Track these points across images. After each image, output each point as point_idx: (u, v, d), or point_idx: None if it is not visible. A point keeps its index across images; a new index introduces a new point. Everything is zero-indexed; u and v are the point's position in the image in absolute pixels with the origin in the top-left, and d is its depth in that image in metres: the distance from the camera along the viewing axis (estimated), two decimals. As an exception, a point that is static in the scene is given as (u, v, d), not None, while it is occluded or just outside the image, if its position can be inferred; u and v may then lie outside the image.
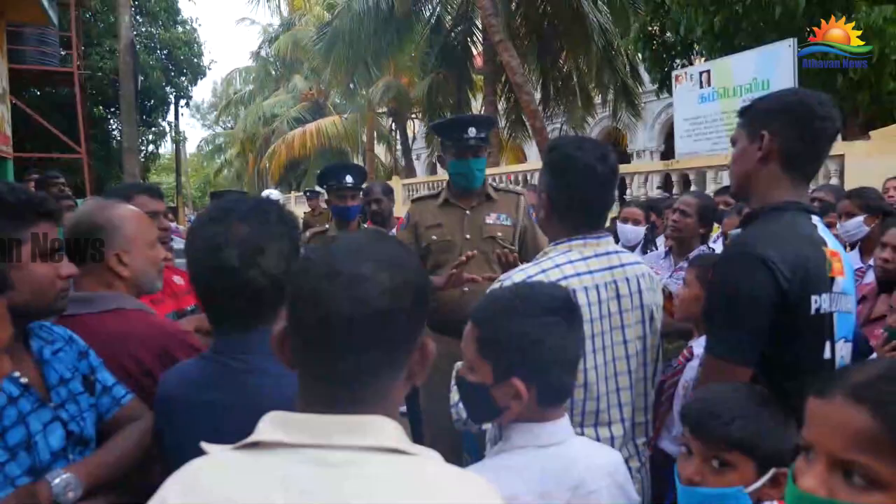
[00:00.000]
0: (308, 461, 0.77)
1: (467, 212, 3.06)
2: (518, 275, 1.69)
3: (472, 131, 2.94)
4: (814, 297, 1.50)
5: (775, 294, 1.46)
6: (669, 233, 3.52)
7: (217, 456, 0.82)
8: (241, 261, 1.18)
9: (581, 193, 1.72)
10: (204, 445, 0.83)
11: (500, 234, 3.01)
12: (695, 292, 2.34)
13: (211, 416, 1.16)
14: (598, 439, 1.63)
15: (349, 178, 3.80)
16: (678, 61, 10.94)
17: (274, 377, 1.12)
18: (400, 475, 0.78)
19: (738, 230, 1.72)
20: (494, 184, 3.25)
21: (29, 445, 1.27)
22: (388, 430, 0.81)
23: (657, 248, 4.10)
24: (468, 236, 3.02)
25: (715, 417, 1.31)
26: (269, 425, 0.81)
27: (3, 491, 1.19)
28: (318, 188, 7.77)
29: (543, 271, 1.67)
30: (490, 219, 3.04)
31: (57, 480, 1.25)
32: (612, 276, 1.72)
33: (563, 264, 1.69)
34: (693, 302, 2.35)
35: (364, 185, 4.13)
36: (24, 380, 1.31)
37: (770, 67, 8.15)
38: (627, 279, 1.74)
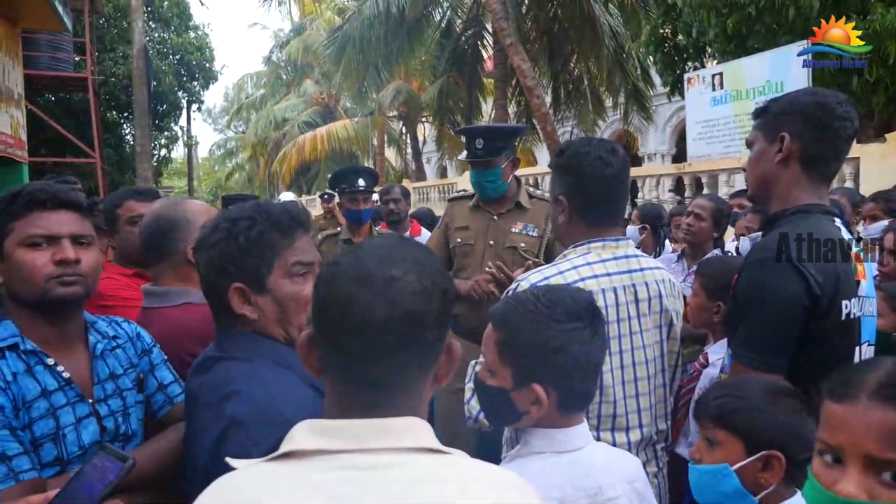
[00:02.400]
0: (348, 467, 0.77)
1: (495, 217, 3.02)
2: (535, 276, 1.67)
3: (479, 143, 2.89)
4: (844, 303, 1.48)
5: (808, 300, 1.44)
6: (683, 236, 3.49)
7: (251, 469, 0.81)
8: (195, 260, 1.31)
9: (597, 188, 1.71)
10: (230, 461, 0.82)
11: (523, 244, 2.96)
12: (702, 301, 2.32)
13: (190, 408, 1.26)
14: (614, 444, 1.62)
15: (361, 182, 3.80)
16: (690, 64, 10.89)
17: (241, 373, 1.18)
18: (439, 474, 0.78)
19: (758, 234, 1.69)
20: (531, 191, 3.17)
21: (56, 437, 1.31)
22: (421, 430, 0.82)
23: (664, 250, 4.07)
24: (491, 242, 2.97)
25: (705, 396, 1.37)
26: (306, 434, 0.80)
27: (3, 483, 1.20)
28: (329, 191, 7.82)
29: (561, 273, 1.65)
30: (516, 228, 2.99)
31: None
32: (630, 280, 1.70)
33: (580, 266, 1.67)
34: (701, 310, 2.33)
35: (378, 188, 4.13)
36: (66, 374, 1.35)
37: (783, 69, 8.10)
38: (647, 283, 1.71)
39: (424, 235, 4.54)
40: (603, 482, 1.25)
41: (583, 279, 1.64)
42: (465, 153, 3.01)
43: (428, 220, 5.63)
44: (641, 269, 1.73)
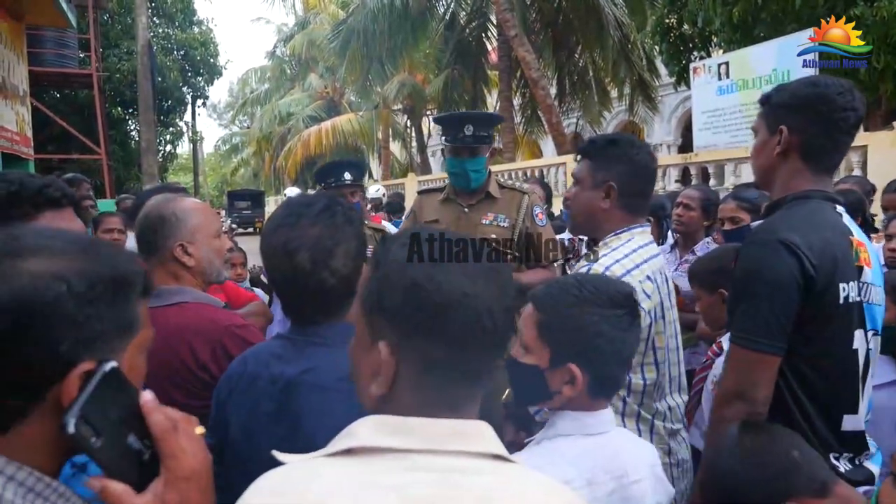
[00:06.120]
0: (420, 468, 0.75)
1: (465, 209, 2.98)
2: (603, 259, 1.74)
3: (468, 129, 2.83)
4: (842, 285, 1.48)
5: (801, 279, 1.44)
6: (674, 226, 3.54)
7: (309, 465, 0.77)
8: (312, 264, 1.25)
9: (645, 178, 1.88)
10: (278, 455, 0.78)
11: (493, 235, 2.91)
12: (708, 299, 2.36)
13: (273, 390, 1.24)
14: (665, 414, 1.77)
15: (348, 175, 3.66)
16: (696, 54, 10.84)
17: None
18: (508, 483, 0.77)
19: (760, 221, 1.69)
20: (502, 180, 3.14)
21: None
22: (489, 435, 0.81)
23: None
24: None
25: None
26: (371, 431, 0.78)
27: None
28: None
29: (626, 255, 1.75)
30: (486, 219, 2.95)
31: None
32: (659, 264, 1.82)
33: (637, 249, 1.77)
34: (712, 308, 2.37)
35: (364, 181, 4.07)
36: None
37: (790, 58, 8.03)
38: (662, 265, 1.85)
39: (387, 226, 4.55)
40: (628, 465, 1.27)
41: (645, 261, 1.75)
42: (446, 139, 2.94)
43: (398, 207, 5.69)
44: (659, 254, 1.85)
